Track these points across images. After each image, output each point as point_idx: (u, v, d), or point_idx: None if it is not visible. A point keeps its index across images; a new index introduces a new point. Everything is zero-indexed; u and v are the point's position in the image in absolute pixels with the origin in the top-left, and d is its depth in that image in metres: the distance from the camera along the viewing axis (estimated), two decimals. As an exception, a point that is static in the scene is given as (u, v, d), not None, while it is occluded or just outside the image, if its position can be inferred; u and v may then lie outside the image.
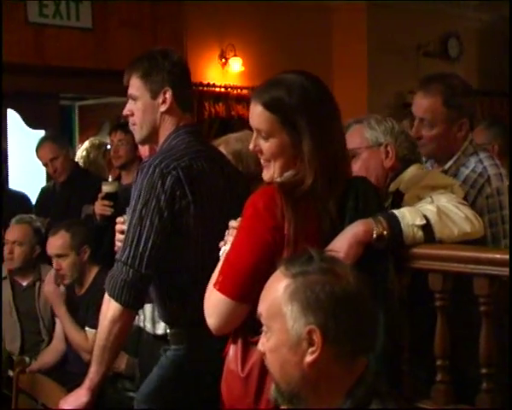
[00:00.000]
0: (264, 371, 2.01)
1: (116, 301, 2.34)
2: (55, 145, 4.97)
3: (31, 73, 5.35)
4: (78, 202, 4.72)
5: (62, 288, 4.02)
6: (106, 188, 3.95)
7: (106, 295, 2.38)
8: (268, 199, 2.06)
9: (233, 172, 2.61)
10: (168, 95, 2.52)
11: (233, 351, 2.12)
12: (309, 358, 1.59)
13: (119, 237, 2.81)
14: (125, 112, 2.60)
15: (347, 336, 1.59)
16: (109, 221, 3.89)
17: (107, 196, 3.92)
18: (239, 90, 7.08)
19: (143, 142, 2.64)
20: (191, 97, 2.68)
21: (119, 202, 4.08)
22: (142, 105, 2.54)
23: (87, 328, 3.89)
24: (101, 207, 3.95)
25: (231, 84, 7.10)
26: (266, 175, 2.17)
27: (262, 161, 2.19)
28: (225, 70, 7.10)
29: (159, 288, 2.49)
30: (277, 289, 1.65)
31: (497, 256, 2.09)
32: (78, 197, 4.84)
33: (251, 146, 2.20)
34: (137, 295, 2.35)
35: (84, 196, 4.75)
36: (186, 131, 2.54)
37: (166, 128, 2.54)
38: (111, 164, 5.22)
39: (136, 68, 2.56)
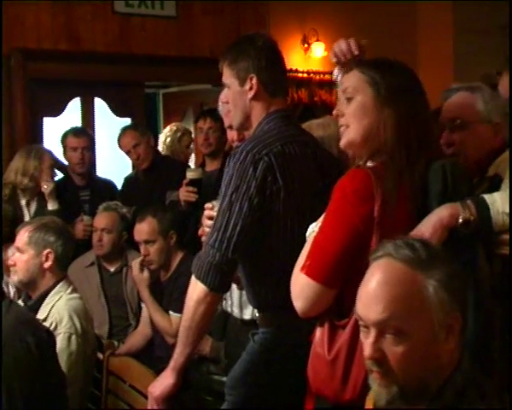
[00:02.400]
0: (351, 354, 2.00)
1: (202, 282, 2.35)
2: (137, 132, 5.04)
3: (117, 62, 5.44)
4: (161, 189, 4.78)
5: (146, 273, 4.08)
6: (190, 174, 3.98)
7: (192, 277, 2.40)
8: (357, 182, 2.04)
9: (326, 155, 2.58)
10: (254, 81, 2.51)
11: (319, 334, 2.11)
12: (446, 347, 1.55)
13: (206, 222, 2.83)
14: (222, 99, 2.65)
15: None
16: (194, 207, 3.93)
17: (192, 183, 3.96)
18: (321, 76, 7.02)
19: (239, 128, 2.63)
20: (282, 81, 2.63)
21: (204, 188, 4.13)
22: (232, 93, 2.56)
23: (171, 312, 3.95)
24: (185, 194, 4.00)
25: (314, 69, 7.05)
26: (343, 140, 2.14)
27: (341, 128, 2.16)
28: (308, 55, 7.06)
29: (249, 272, 2.50)
30: (411, 285, 1.55)
31: None
32: (161, 184, 4.90)
33: (334, 111, 2.20)
34: (223, 278, 2.36)
35: (168, 182, 4.81)
36: (278, 116, 2.52)
37: (257, 114, 2.53)
38: (197, 150, 5.26)
39: (225, 56, 2.57)
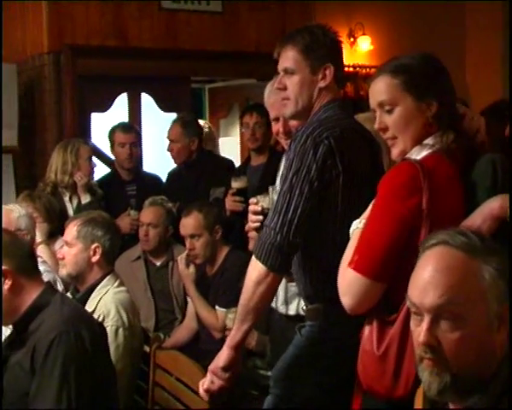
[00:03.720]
0: (402, 349, 1.98)
1: (262, 263, 2.34)
2: (179, 128, 5.04)
3: (163, 58, 5.47)
4: (205, 185, 4.80)
5: (192, 268, 4.11)
6: (236, 184, 3.96)
7: (252, 258, 2.39)
8: (404, 175, 2.03)
9: (378, 148, 2.55)
10: (329, 71, 2.49)
11: (368, 331, 2.10)
12: (498, 337, 1.53)
13: (251, 217, 2.84)
14: (278, 85, 2.57)
15: None
16: (240, 216, 3.91)
17: (238, 192, 3.95)
18: (367, 70, 6.97)
19: (295, 117, 2.58)
20: (345, 74, 2.66)
21: (249, 197, 4.13)
22: (299, 79, 2.51)
23: (217, 307, 3.96)
24: (232, 204, 3.99)
25: (360, 63, 7.01)
26: (395, 152, 2.15)
27: (389, 141, 2.17)
28: (354, 49, 7.01)
29: (301, 261, 2.48)
30: (469, 271, 1.54)
31: None
32: (205, 180, 4.92)
33: (376, 125, 2.19)
34: (283, 260, 2.34)
35: (212, 178, 4.83)
36: (336, 105, 2.51)
37: (320, 104, 2.51)
38: (243, 145, 5.25)
39: (295, 42, 2.52)
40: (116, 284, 3.27)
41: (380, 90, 2.16)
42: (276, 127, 2.90)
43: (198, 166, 5.08)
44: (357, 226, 2.16)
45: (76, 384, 2.38)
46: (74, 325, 2.46)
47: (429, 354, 1.54)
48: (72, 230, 3.23)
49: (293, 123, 2.72)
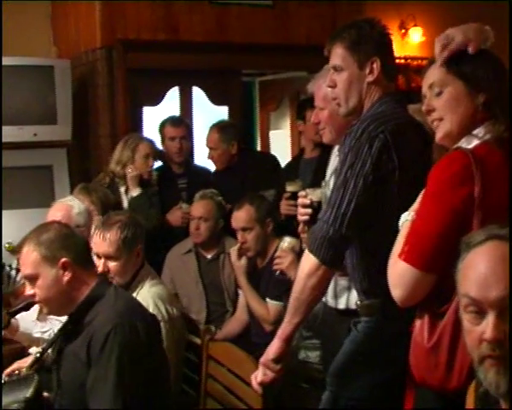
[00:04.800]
0: (454, 340, 1.96)
1: (314, 256, 2.35)
2: (217, 135, 5.05)
3: (214, 51, 5.49)
4: (251, 187, 4.77)
5: (244, 260, 4.13)
6: (291, 188, 3.95)
7: (306, 251, 2.41)
8: (456, 164, 2.01)
9: (431, 140, 2.54)
10: (376, 65, 2.49)
11: (419, 323, 2.08)
12: None
13: (301, 211, 2.85)
14: (328, 83, 2.58)
15: None
16: (295, 219, 3.90)
17: (293, 196, 3.95)
18: (419, 61, 6.90)
19: (349, 114, 2.58)
20: (396, 67, 2.63)
21: (302, 175, 4.12)
22: (347, 76, 2.52)
23: (268, 300, 3.98)
24: (286, 208, 3.99)
25: (411, 55, 6.94)
26: (439, 135, 2.15)
27: (435, 123, 2.16)
28: (405, 41, 6.96)
29: (358, 256, 2.49)
30: None
31: None
32: (250, 182, 4.92)
33: (424, 107, 2.19)
34: (335, 253, 2.35)
35: (256, 179, 4.84)
36: (392, 99, 2.51)
37: (371, 99, 2.51)
38: (293, 140, 5.22)
39: (342, 38, 2.53)
40: (150, 277, 3.31)
41: (431, 74, 2.17)
42: (318, 116, 2.89)
43: (241, 169, 5.08)
44: (406, 219, 2.15)
45: (132, 375, 2.41)
46: (129, 316, 2.50)
47: (497, 351, 1.51)
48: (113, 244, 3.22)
49: (318, 116, 2.76)
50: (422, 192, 2.13)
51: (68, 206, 3.71)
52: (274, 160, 5.37)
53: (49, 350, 2.69)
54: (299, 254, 2.67)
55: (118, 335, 2.42)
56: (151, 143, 4.94)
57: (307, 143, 4.82)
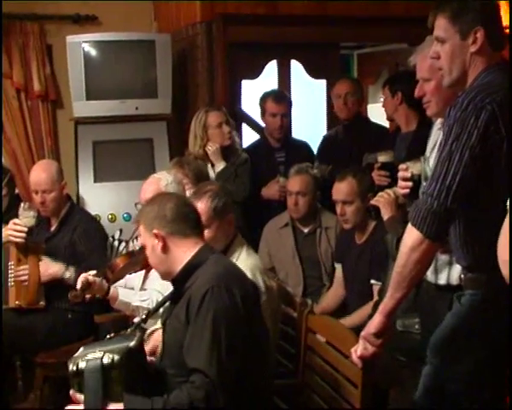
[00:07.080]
0: None
1: (418, 229, 2.33)
2: (350, 81, 5.20)
3: (313, 24, 5.45)
4: (359, 149, 4.76)
5: None
6: (382, 158, 3.91)
7: (409, 224, 2.38)
8: None
9: None
10: (479, 34, 2.43)
11: None
12: None
13: (401, 184, 2.81)
14: (432, 55, 2.55)
15: None
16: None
17: (384, 166, 3.91)
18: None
19: (453, 85, 2.54)
20: (504, 36, 2.56)
21: (397, 150, 4.07)
22: (450, 47, 2.48)
23: (373, 281, 3.94)
24: (377, 178, 3.96)
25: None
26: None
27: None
28: None
29: (463, 229, 2.44)
30: None
31: None
32: (359, 144, 4.89)
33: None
34: (439, 227, 2.32)
35: (366, 143, 4.79)
36: (498, 68, 2.45)
37: (476, 69, 2.46)
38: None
39: (444, 9, 2.49)
40: (244, 247, 3.36)
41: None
42: (422, 88, 2.84)
43: (354, 128, 5.09)
44: None
45: (227, 338, 2.45)
46: (226, 280, 2.55)
47: None
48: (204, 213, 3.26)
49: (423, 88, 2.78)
50: None
51: (156, 179, 3.81)
52: (385, 129, 5.29)
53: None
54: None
55: (214, 296, 2.48)
56: (218, 110, 4.89)
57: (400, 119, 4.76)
